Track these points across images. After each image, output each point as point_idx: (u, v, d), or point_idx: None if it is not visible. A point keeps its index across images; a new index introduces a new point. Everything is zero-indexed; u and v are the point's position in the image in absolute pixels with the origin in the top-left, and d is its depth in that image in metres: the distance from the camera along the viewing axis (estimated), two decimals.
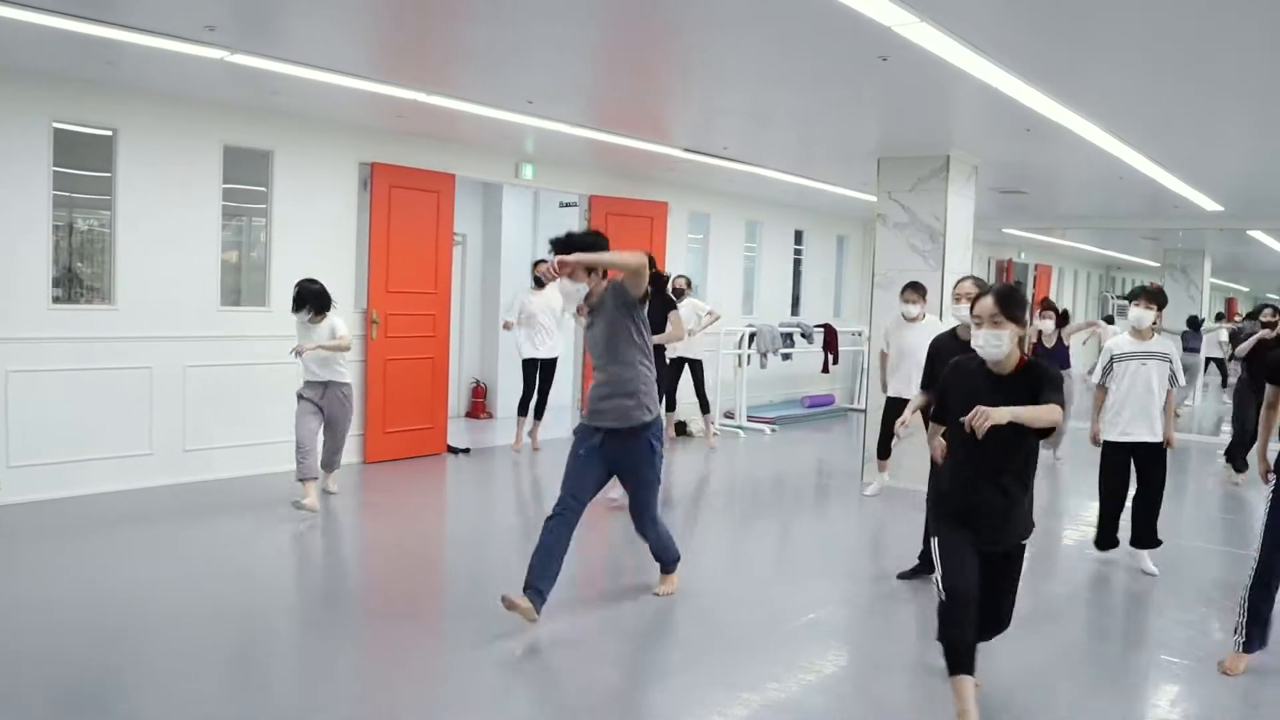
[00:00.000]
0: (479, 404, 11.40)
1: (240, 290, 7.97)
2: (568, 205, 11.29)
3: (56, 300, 6.76)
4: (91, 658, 4.16)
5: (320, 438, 6.87)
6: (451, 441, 9.19)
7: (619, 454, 4.82)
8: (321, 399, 6.83)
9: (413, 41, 5.60)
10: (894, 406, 7.00)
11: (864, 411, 9.02)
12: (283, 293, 7.66)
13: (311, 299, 6.65)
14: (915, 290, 7.27)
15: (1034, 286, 19.82)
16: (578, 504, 4.73)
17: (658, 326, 7.00)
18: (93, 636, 4.37)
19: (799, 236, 13.81)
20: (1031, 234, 15.97)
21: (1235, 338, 12.13)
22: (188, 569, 5.42)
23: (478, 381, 11.45)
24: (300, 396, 6.83)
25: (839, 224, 14.38)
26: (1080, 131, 6.86)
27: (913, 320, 7.22)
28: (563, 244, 4.68)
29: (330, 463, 7.15)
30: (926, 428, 4.28)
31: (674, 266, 10.84)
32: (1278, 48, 4.84)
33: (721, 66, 5.87)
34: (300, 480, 6.61)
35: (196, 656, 4.21)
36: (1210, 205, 10.83)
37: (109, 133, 6.84)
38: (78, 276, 7.21)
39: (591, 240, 4.72)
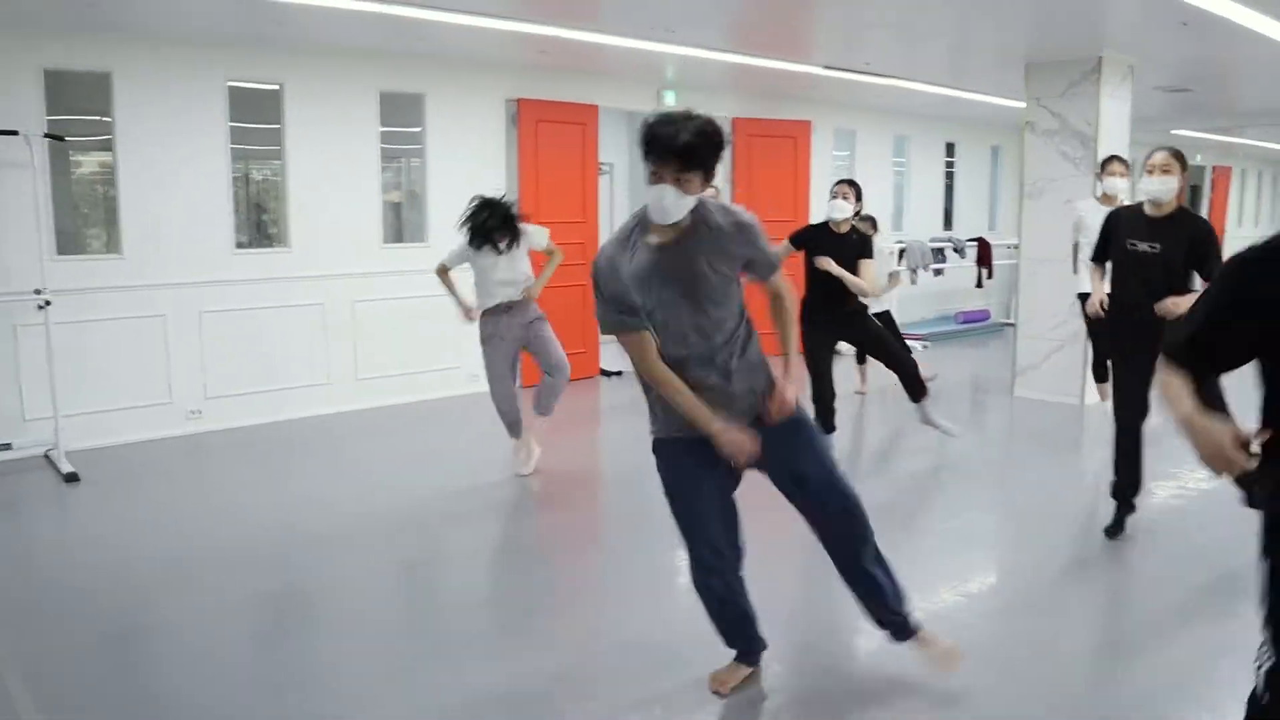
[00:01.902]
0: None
1: (401, 228, 8.42)
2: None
3: (239, 245, 7.34)
4: (290, 558, 4.65)
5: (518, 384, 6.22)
6: (604, 365, 9.53)
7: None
8: (511, 333, 5.95)
9: None
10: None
11: (1014, 325, 8.88)
12: (440, 229, 8.10)
13: (508, 227, 5.85)
14: (1121, 162, 6.96)
15: (1212, 190, 18.73)
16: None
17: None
18: (291, 539, 4.88)
19: (950, 149, 13.46)
20: (1206, 134, 15.08)
21: None
22: (370, 481, 5.92)
23: None
24: (488, 340, 5.98)
25: (993, 134, 13.92)
26: (1244, 22, 6.49)
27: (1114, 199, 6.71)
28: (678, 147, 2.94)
29: (549, 405, 6.19)
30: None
31: (820, 189, 10.79)
32: None
33: None
34: (514, 437, 6.15)
35: (383, 560, 4.67)
36: None
37: (276, 87, 7.31)
38: (257, 222, 7.78)
39: (709, 150, 2.98)
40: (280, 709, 3.29)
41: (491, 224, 5.81)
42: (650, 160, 2.94)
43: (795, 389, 3.10)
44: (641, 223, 3.06)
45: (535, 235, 6.06)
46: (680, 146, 2.89)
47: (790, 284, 3.28)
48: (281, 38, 7.04)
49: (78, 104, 6.84)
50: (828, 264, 5.80)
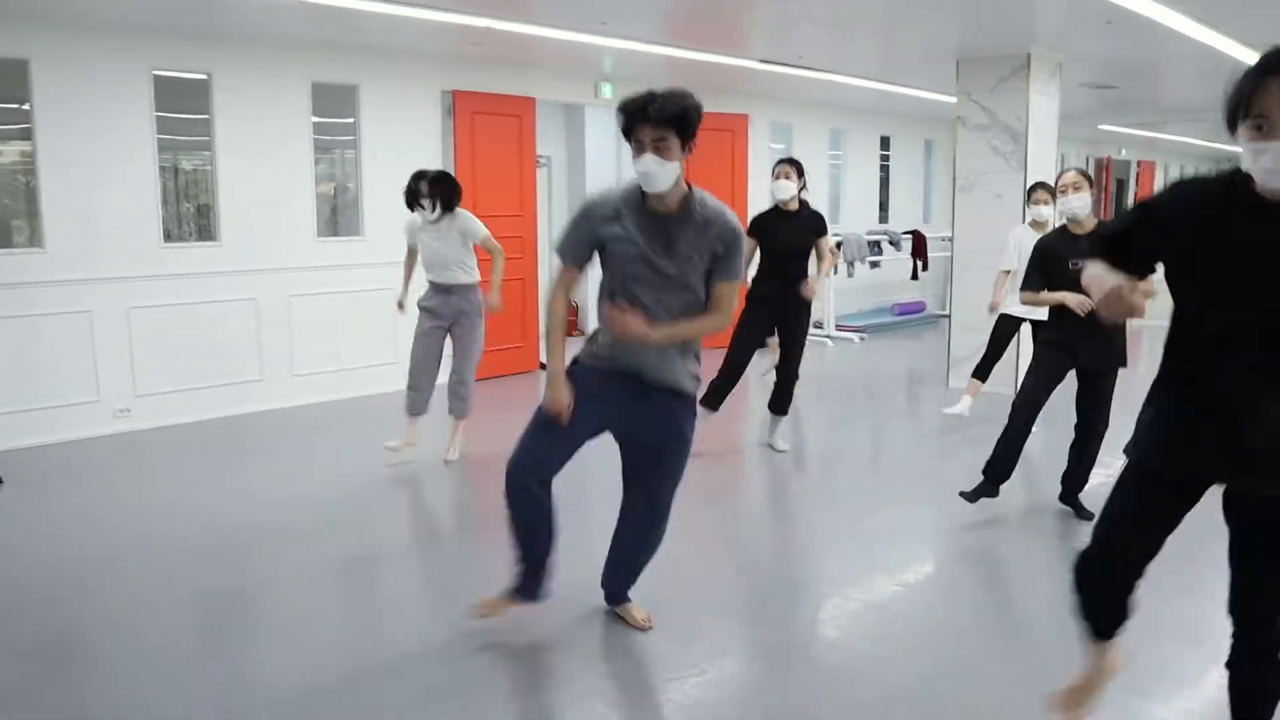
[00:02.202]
0: (571, 322, 11.68)
1: (336, 222, 8.31)
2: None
3: (167, 238, 7.18)
4: (224, 558, 4.57)
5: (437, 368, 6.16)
6: (543, 359, 9.48)
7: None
8: (445, 309, 5.99)
9: None
10: (1009, 325, 6.93)
11: (949, 316, 9.03)
12: (375, 222, 8.02)
13: (436, 187, 5.85)
14: (1045, 189, 6.62)
15: (1137, 184, 19.20)
16: None
17: (798, 252, 6.13)
18: (224, 538, 4.79)
19: (885, 142, 13.63)
20: (1131, 129, 15.44)
21: None
22: (304, 478, 5.84)
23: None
24: (420, 309, 6.06)
25: (926, 128, 14.13)
26: (1165, 21, 6.66)
27: (1044, 225, 6.43)
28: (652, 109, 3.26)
29: (460, 407, 6.19)
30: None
31: (758, 181, 10.86)
32: None
33: None
34: (410, 415, 6.11)
35: (319, 557, 4.61)
36: None
37: (204, 77, 7.16)
38: (185, 216, 7.63)
39: (680, 111, 3.27)
40: (219, 712, 3.23)
41: (419, 187, 5.90)
42: (628, 134, 3.24)
43: (633, 324, 3.22)
44: (639, 192, 3.30)
45: (470, 221, 6.02)
46: (650, 110, 3.18)
47: (729, 314, 3.39)
48: (208, 26, 6.89)
49: None
50: (811, 293, 6.04)
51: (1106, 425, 4.95)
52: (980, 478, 5.09)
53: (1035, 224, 6.51)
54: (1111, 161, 17.93)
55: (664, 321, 3.25)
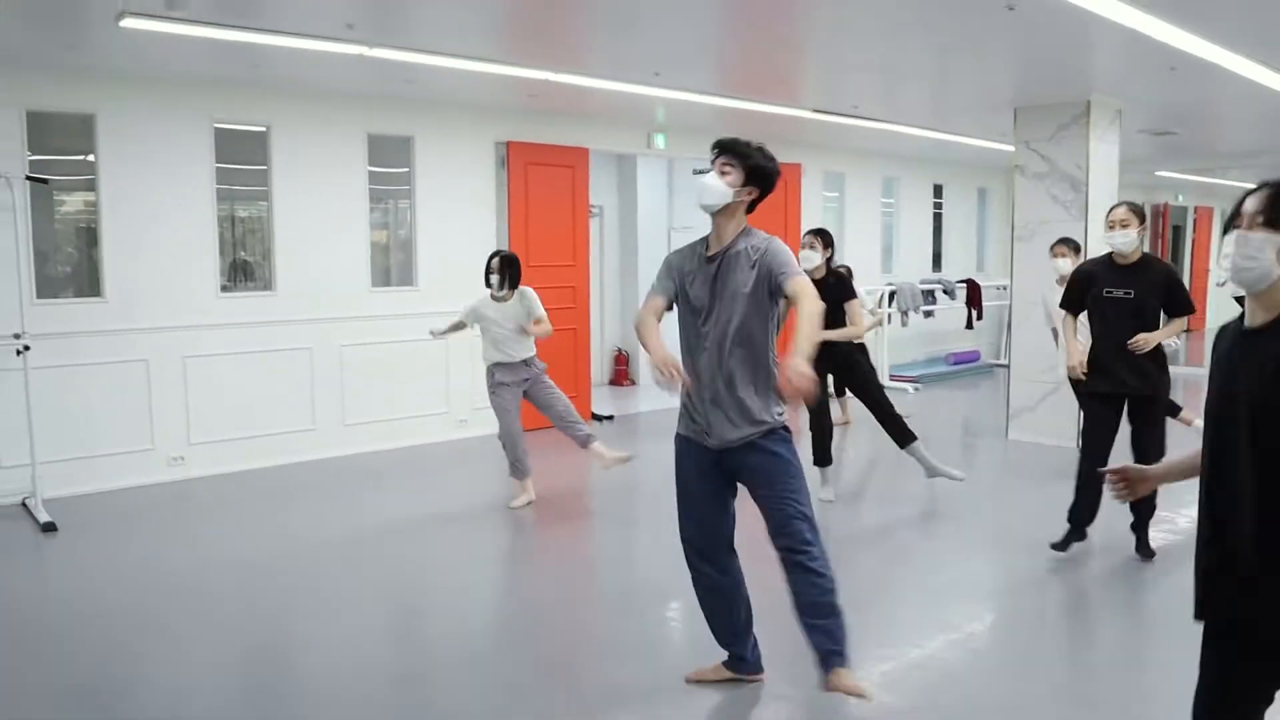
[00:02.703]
0: (621, 371, 11.63)
1: (389, 271, 8.35)
2: (701, 172, 11.31)
3: (224, 288, 7.25)
4: (275, 611, 4.53)
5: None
6: (595, 409, 9.44)
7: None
8: (514, 379, 6.24)
9: (539, 22, 5.75)
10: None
11: (1008, 366, 8.85)
12: (429, 272, 8.05)
13: (506, 266, 6.21)
14: (1066, 244, 6.83)
15: (1194, 230, 18.85)
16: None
17: (834, 319, 5.95)
18: (276, 590, 4.75)
19: (938, 190, 13.52)
20: (1188, 175, 15.19)
21: None
22: (358, 529, 5.80)
23: (619, 350, 11.67)
24: (498, 386, 6.24)
25: (980, 176, 14.00)
26: (1230, 66, 6.53)
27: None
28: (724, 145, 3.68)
29: (584, 436, 6.39)
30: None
31: (808, 228, 10.78)
32: None
33: (847, 22, 5.81)
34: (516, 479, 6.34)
35: (372, 613, 4.54)
36: None
37: (262, 129, 7.26)
38: (242, 264, 7.70)
39: (744, 149, 3.63)
40: None
41: (491, 264, 6.24)
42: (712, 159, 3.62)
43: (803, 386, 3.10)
44: (704, 241, 3.61)
45: (534, 300, 6.26)
46: (724, 140, 3.63)
47: (814, 298, 3.36)
48: (266, 79, 7.00)
49: (60, 144, 6.77)
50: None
51: (1162, 454, 4.86)
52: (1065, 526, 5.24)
53: (1062, 278, 6.40)
54: (1168, 208, 17.63)
55: (747, 366, 3.37)
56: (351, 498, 6.66)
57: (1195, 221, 18.79)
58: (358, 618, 4.53)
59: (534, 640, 4.31)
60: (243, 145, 7.30)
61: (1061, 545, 5.22)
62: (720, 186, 3.53)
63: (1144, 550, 5.21)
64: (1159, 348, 5.05)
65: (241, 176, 7.47)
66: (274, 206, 7.34)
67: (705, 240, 3.60)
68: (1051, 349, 7.51)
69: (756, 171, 3.55)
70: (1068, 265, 6.54)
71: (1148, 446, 5.02)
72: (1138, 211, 5.05)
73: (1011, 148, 8.45)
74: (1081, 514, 5.19)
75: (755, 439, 3.37)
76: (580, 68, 6.83)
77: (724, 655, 3.72)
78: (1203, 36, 5.80)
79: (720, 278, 3.44)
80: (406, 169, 8.09)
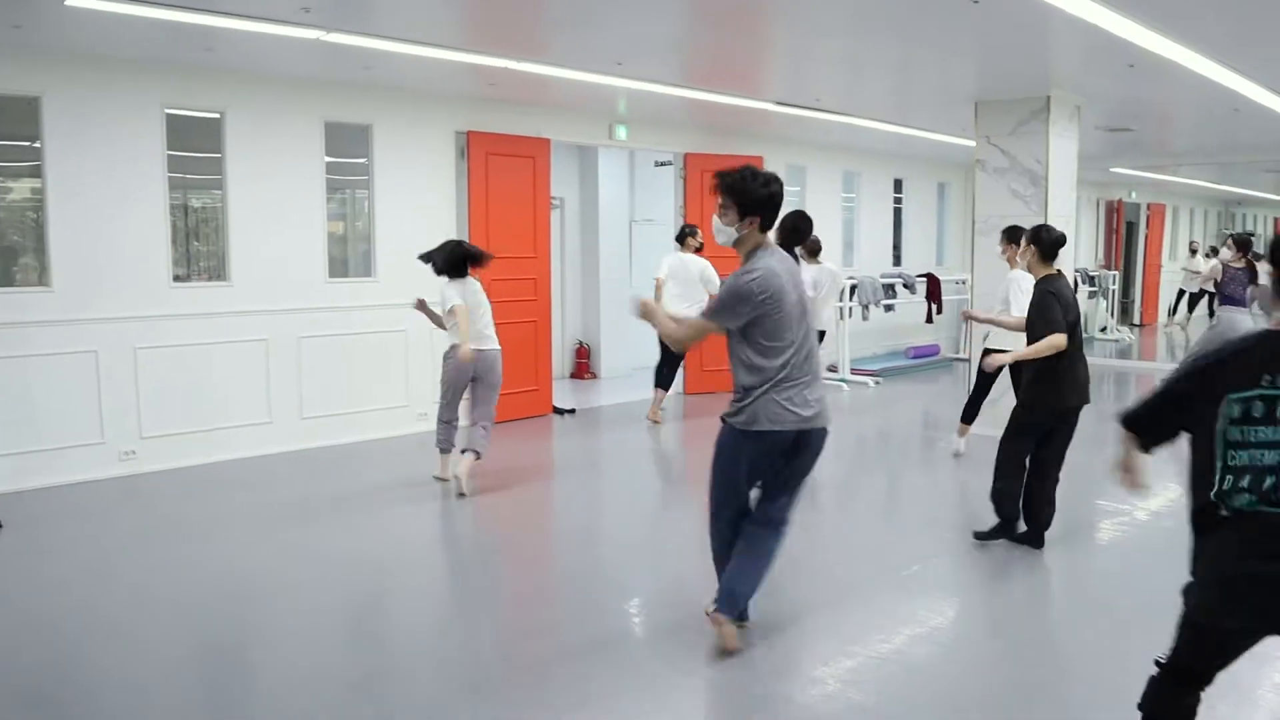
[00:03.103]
0: (583, 365, 11.56)
1: (347, 262, 8.22)
2: (663, 164, 11.31)
3: (177, 279, 7.08)
4: (229, 610, 4.42)
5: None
6: (557, 402, 9.36)
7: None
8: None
9: (499, 8, 5.66)
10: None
11: (967, 361, 8.90)
12: (387, 263, 7.93)
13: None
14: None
15: (1147, 226, 19.10)
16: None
17: None
18: (218, 599, 4.64)
19: (898, 185, 13.57)
20: (1143, 172, 15.38)
21: None
22: (314, 525, 5.69)
23: (581, 343, 11.60)
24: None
25: (940, 171, 14.08)
26: (1187, 64, 6.57)
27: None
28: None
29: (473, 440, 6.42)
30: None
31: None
32: None
33: (811, 15, 5.78)
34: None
35: (328, 611, 4.45)
36: None
37: (217, 115, 7.10)
38: (195, 255, 7.53)
39: (731, 184, 3.76)
40: None
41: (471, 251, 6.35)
42: None
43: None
44: None
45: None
46: (718, 177, 3.80)
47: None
48: (220, 64, 6.84)
49: (5, 129, 6.59)
50: None
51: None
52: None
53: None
54: (1122, 204, 17.84)
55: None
56: (307, 492, 6.54)
57: (1148, 218, 19.03)
58: (315, 615, 4.44)
59: (498, 638, 4.24)
60: (197, 132, 7.14)
61: (986, 536, 5.34)
62: (722, 227, 3.80)
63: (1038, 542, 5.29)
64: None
65: (195, 164, 7.30)
66: (228, 195, 7.18)
67: None
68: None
69: (750, 202, 3.72)
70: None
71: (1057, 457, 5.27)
72: (1007, 235, 5.53)
73: (972, 142, 8.48)
74: (1004, 511, 5.32)
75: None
76: (542, 57, 6.74)
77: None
78: (1162, 34, 5.83)
79: None
80: (365, 158, 7.96)
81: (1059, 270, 5.14)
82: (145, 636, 4.17)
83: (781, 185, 3.80)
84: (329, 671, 3.86)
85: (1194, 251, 17.20)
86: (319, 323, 7.63)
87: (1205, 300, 16.55)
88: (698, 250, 8.72)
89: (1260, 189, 18.34)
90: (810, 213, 11.81)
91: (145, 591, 4.69)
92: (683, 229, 8.92)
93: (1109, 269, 17.04)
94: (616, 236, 11.59)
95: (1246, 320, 9.40)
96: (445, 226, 8.27)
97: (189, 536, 5.57)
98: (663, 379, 8.88)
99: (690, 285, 8.46)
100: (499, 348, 6.36)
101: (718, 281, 8.38)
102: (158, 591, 4.69)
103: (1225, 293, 9.91)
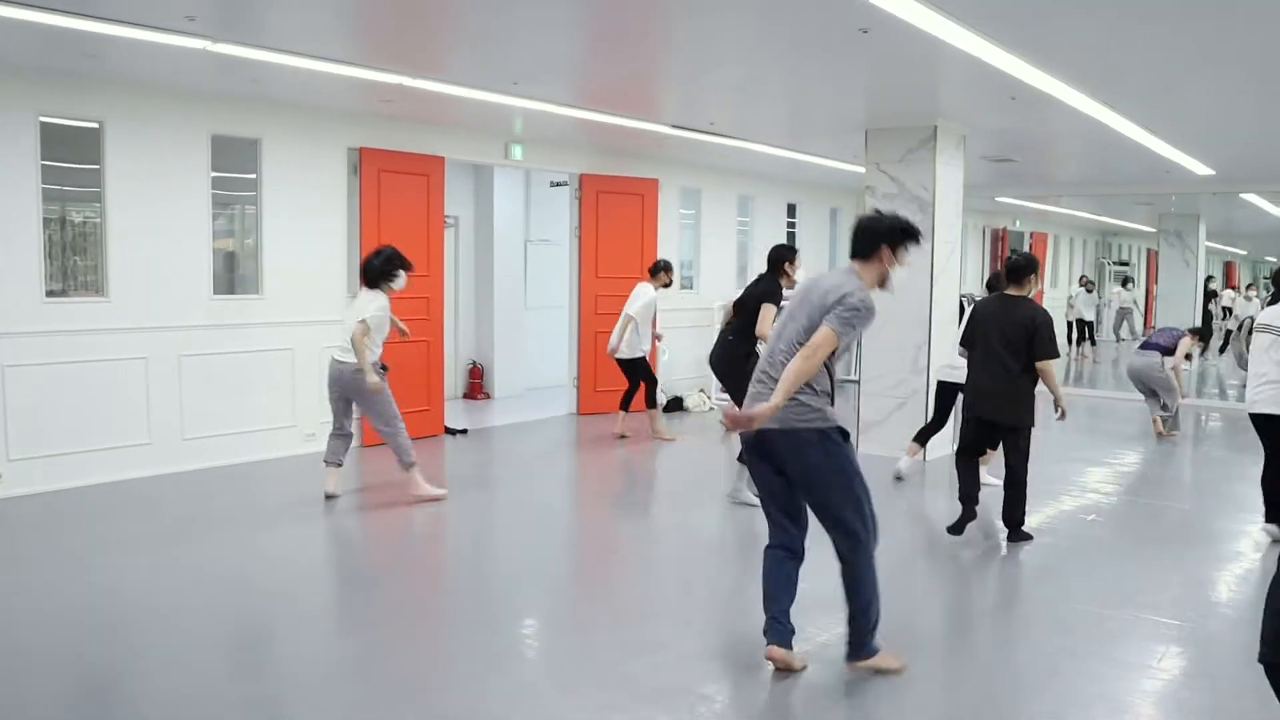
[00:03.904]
0: (476, 385, 11.45)
1: (233, 279, 7.99)
2: (559, 184, 11.32)
3: (50, 294, 6.79)
4: (95, 651, 4.23)
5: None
6: (449, 423, 9.24)
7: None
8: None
9: (395, 25, 5.59)
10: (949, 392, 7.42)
11: (857, 382, 9.07)
12: (275, 280, 7.74)
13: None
14: None
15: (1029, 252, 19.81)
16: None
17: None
18: (93, 629, 4.44)
19: (792, 209, 13.81)
20: (1026, 201, 15.95)
21: None
22: (193, 553, 5.49)
23: (474, 362, 11.49)
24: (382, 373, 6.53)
25: (832, 196, 14.38)
26: (1065, 99, 6.83)
27: None
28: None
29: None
30: None
31: (666, 244, 10.86)
32: (1260, 13, 4.84)
33: (706, 41, 5.85)
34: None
35: (206, 645, 4.29)
36: (1201, 170, 10.80)
37: (95, 125, 6.85)
38: (71, 269, 7.24)
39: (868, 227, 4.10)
40: None
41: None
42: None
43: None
44: None
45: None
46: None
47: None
48: (98, 72, 6.60)
49: None
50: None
51: (1024, 471, 5.77)
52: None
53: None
54: (1007, 232, 18.49)
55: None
56: (187, 515, 6.31)
57: (1031, 246, 19.73)
58: (198, 642, 4.27)
59: (386, 661, 4.15)
60: (74, 142, 6.87)
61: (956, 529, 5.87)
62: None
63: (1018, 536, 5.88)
64: None
65: (74, 176, 7.02)
66: (107, 208, 6.92)
67: None
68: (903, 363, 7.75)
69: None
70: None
71: (1016, 466, 5.86)
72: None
73: (863, 169, 8.68)
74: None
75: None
76: (437, 74, 6.68)
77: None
78: (1040, 69, 6.05)
79: None
80: (253, 174, 7.76)
81: (1016, 292, 5.80)
82: (13, 669, 3.96)
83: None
84: (215, 698, 3.72)
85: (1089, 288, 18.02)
86: (203, 340, 7.39)
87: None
88: (666, 286, 8.93)
89: (1134, 220, 19.19)
90: (705, 236, 12.03)
91: (12, 623, 4.46)
92: (660, 262, 9.10)
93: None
94: (511, 256, 11.54)
95: None
96: (337, 244, 8.14)
97: (61, 561, 5.32)
98: (651, 399, 9.04)
99: (644, 316, 8.79)
100: (350, 362, 6.32)
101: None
102: (23, 620, 4.46)
103: None
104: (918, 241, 4.01)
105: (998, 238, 18.49)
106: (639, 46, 6.10)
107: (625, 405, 9.09)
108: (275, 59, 6.00)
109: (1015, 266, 5.84)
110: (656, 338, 9.33)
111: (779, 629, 3.87)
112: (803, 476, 3.83)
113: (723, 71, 6.72)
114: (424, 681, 3.92)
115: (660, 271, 8.98)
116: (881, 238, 3.93)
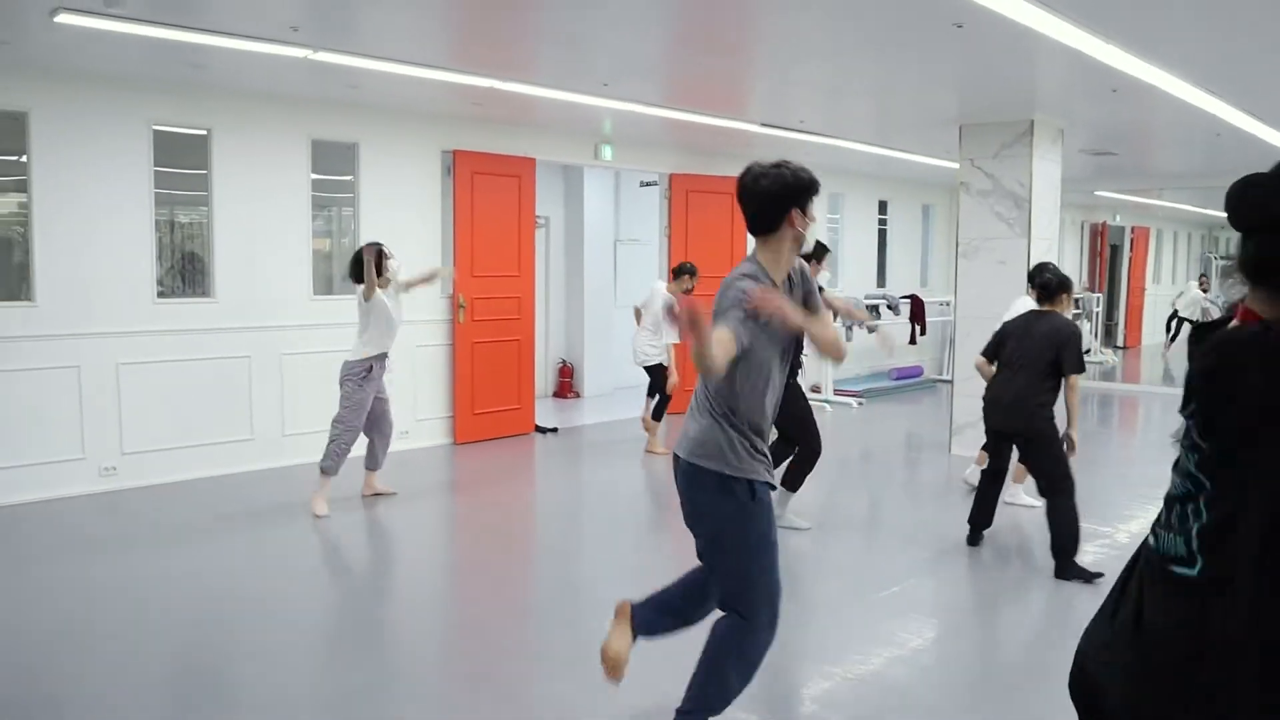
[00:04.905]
0: (565, 384, 11.56)
1: (332, 279, 8.22)
2: (648, 184, 11.36)
3: (161, 294, 7.07)
4: (198, 637, 4.40)
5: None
6: (539, 421, 9.36)
7: None
8: (379, 374, 6.39)
9: (487, 30, 5.70)
10: None
11: (951, 382, 8.94)
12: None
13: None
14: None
15: (1131, 249, 19.25)
16: None
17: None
18: (197, 613, 4.62)
19: (883, 206, 13.66)
20: (1126, 195, 15.50)
21: None
22: (293, 548, 5.67)
23: (564, 361, 11.61)
24: (371, 379, 6.33)
25: (924, 192, 14.17)
26: (1170, 89, 6.64)
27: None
28: None
29: (383, 458, 6.71)
30: None
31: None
32: None
33: (795, 38, 5.84)
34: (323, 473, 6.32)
35: (295, 634, 4.43)
36: None
37: (203, 132, 7.12)
38: (181, 270, 7.52)
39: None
40: None
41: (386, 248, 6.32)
42: (806, 206, 3.32)
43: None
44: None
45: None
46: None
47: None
48: (207, 81, 6.86)
49: None
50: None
51: (1053, 489, 5.20)
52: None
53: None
54: (1107, 227, 17.98)
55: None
56: (277, 513, 6.52)
57: (1132, 241, 19.18)
58: (293, 630, 4.42)
59: (465, 654, 4.23)
60: (184, 148, 7.14)
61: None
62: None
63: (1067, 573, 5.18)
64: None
65: (182, 180, 7.30)
66: (214, 212, 7.19)
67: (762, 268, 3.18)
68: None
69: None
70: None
71: (1040, 482, 5.44)
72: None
73: (956, 165, 8.54)
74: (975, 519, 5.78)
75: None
76: (527, 77, 6.78)
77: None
78: (1143, 58, 5.89)
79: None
80: (351, 176, 7.98)
81: (1047, 308, 5.46)
82: (113, 653, 4.14)
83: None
84: (308, 690, 3.85)
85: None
86: (303, 340, 7.62)
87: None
88: (687, 292, 8.38)
89: None
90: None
91: (118, 605, 4.67)
92: (686, 265, 8.27)
93: (1093, 291, 17.16)
94: (601, 256, 11.62)
95: None
96: (430, 244, 8.31)
97: (168, 555, 5.54)
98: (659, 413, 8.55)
99: (657, 320, 8.18)
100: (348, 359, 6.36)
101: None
102: (133, 607, 4.67)
103: None
104: (818, 189, 3.31)
105: (1097, 232, 18.01)
106: (726, 45, 6.10)
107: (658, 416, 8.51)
108: (371, 65, 6.17)
109: (1046, 285, 5.42)
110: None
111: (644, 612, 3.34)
112: (690, 517, 3.17)
113: (811, 69, 6.68)
114: (500, 674, 3.99)
115: (684, 276, 8.13)
116: (788, 202, 3.21)
